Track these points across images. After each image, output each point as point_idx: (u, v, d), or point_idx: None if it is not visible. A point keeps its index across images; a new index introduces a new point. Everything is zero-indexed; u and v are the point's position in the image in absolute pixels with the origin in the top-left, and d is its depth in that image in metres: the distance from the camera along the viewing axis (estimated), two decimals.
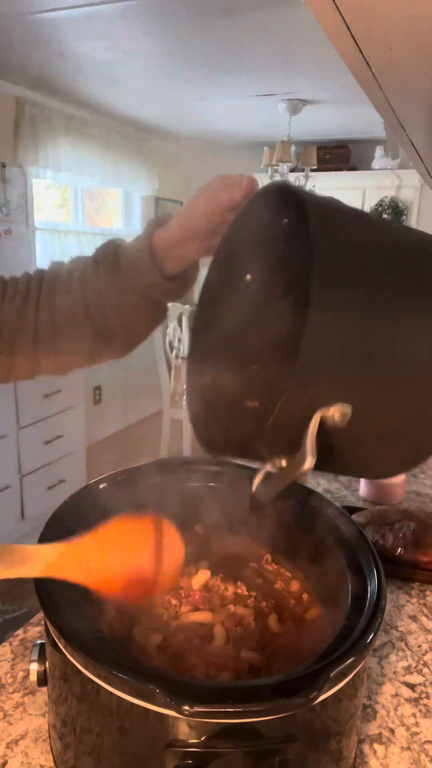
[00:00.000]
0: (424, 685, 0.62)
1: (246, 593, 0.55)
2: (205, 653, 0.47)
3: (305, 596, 0.56)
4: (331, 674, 0.37)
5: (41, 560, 0.41)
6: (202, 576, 0.54)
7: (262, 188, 0.52)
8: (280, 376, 0.58)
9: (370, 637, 0.41)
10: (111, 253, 0.63)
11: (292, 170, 3.63)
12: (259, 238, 0.55)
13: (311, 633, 0.50)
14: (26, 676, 0.60)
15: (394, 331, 0.42)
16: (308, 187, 3.23)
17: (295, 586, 0.57)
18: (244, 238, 0.56)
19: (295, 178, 3.58)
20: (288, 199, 0.50)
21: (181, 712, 0.34)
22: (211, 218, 0.59)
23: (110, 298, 0.62)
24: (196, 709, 0.34)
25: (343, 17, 0.39)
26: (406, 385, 0.43)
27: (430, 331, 0.42)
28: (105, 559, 0.43)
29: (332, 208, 0.46)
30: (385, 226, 0.47)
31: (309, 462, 0.39)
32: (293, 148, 3.51)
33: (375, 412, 0.43)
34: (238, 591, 0.55)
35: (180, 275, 0.64)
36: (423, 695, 0.60)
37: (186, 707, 0.34)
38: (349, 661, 0.38)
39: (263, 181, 0.56)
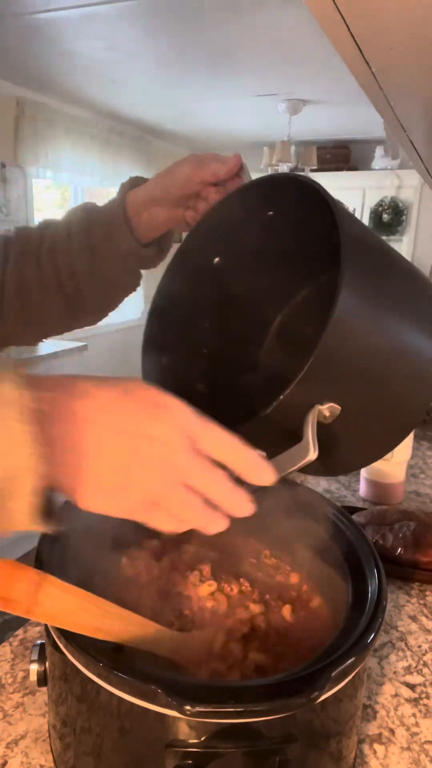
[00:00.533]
0: (424, 685, 0.62)
1: (249, 588, 0.55)
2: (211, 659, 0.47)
3: (305, 587, 0.57)
4: (332, 674, 0.37)
5: (167, 641, 0.44)
6: (208, 587, 0.54)
7: (271, 176, 0.51)
8: (233, 361, 0.58)
9: (371, 637, 0.41)
10: (84, 220, 0.61)
11: (292, 170, 3.63)
12: (241, 224, 0.54)
13: (316, 629, 0.50)
14: (26, 676, 0.60)
15: (405, 342, 0.43)
16: None
17: (294, 578, 0.58)
18: (225, 220, 0.54)
19: None
20: (286, 196, 0.50)
21: (182, 712, 0.34)
22: (188, 184, 0.57)
23: (84, 267, 0.60)
24: (198, 709, 0.34)
25: (343, 17, 0.39)
26: (403, 388, 0.44)
27: None
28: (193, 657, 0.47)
29: (360, 226, 0.46)
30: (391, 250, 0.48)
31: (312, 454, 0.38)
32: (293, 148, 3.51)
33: (364, 413, 0.44)
34: (243, 588, 0.55)
35: (154, 242, 0.62)
36: (423, 695, 0.60)
37: (188, 707, 0.34)
38: (350, 661, 0.38)
39: None
